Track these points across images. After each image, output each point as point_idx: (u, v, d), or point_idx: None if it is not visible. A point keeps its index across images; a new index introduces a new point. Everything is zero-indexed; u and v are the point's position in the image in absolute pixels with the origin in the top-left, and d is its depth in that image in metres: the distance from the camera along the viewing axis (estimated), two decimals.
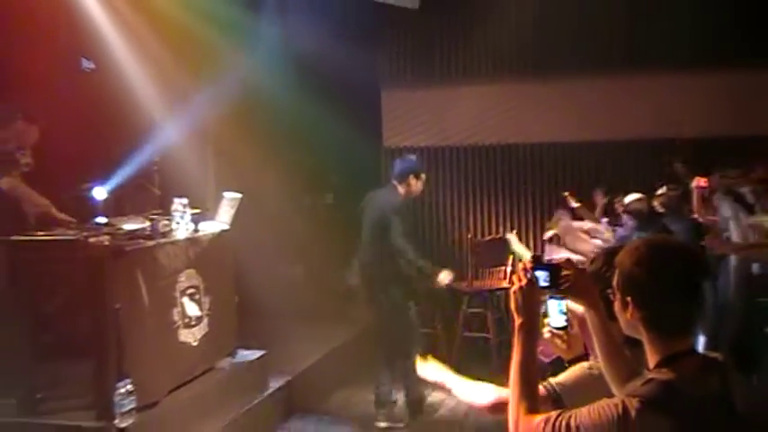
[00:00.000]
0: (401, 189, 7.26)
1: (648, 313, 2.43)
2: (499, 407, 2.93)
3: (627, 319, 2.48)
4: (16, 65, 7.24)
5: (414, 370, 7.07)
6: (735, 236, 7.11)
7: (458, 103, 10.09)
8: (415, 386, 7.34)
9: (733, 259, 6.77)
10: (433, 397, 7.66)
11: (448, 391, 3.38)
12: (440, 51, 10.29)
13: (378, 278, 7.23)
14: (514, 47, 9.87)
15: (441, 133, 10.17)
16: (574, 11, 9.52)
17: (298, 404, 7.56)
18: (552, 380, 2.94)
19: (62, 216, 6.64)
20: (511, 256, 8.13)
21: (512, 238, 7.48)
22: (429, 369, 3.51)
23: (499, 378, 3.04)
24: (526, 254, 5.18)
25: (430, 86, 10.24)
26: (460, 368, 3.45)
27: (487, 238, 9.48)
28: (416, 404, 7.46)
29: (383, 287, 7.22)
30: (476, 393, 3.18)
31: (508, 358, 2.66)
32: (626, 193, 7.68)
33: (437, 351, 7.98)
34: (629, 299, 2.45)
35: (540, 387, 2.73)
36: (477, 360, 8.41)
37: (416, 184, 7.26)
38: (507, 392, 2.65)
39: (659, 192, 7.80)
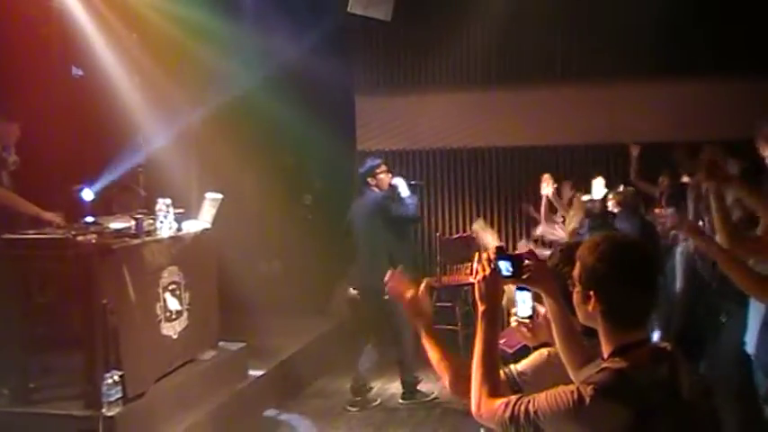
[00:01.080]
0: (374, 188, 7.62)
1: (608, 306, 2.46)
2: (461, 389, 2.77)
3: (587, 311, 2.51)
4: (9, 71, 7.21)
5: (408, 354, 7.17)
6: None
7: (427, 109, 10.11)
8: (411, 369, 7.47)
9: (680, 250, 6.81)
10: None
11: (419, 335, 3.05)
12: (411, 60, 10.30)
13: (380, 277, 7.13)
14: (481, 56, 9.91)
15: (411, 138, 10.18)
16: (537, 23, 9.55)
17: (276, 393, 7.55)
18: (513, 366, 2.95)
19: (49, 216, 6.61)
20: (476, 253, 8.10)
21: (478, 225, 7.69)
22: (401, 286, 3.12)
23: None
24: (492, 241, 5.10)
25: (401, 93, 10.25)
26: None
27: (455, 236, 9.51)
28: (411, 386, 7.54)
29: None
30: (444, 362, 2.93)
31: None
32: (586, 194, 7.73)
33: None
34: (591, 292, 2.47)
35: (501, 372, 2.74)
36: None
37: (380, 179, 7.60)
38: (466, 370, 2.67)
39: (615, 191, 7.85)
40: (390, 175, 7.70)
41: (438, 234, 9.39)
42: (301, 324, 8.88)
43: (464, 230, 9.75)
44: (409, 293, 3.06)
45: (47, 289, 5.85)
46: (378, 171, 7.64)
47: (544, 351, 3.01)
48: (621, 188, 7.94)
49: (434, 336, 3.00)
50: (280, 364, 7.82)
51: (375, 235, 7.47)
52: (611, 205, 7.59)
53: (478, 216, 10.01)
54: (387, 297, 6.94)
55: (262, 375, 7.44)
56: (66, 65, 8.35)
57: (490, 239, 4.85)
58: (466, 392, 2.76)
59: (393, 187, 7.60)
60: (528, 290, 2.80)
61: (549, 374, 2.78)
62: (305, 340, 8.52)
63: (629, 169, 9.02)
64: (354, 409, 7.43)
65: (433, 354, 2.97)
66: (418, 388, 7.54)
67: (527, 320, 2.98)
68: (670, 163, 8.48)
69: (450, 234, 9.54)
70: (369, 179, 7.64)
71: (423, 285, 3.11)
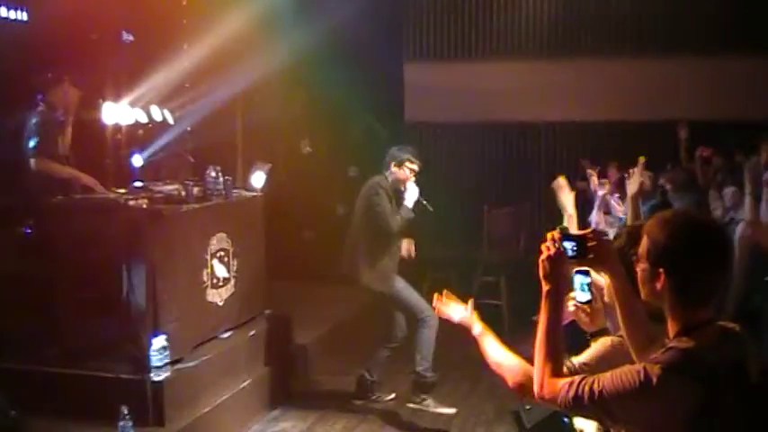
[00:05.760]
0: (389, 176, 6.66)
1: (678, 284, 2.40)
2: (527, 387, 2.71)
3: (653, 289, 2.44)
4: (64, 36, 7.26)
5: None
6: (749, 212, 6.87)
7: (478, 79, 10.00)
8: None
9: (738, 232, 6.70)
10: None
11: (473, 338, 3.13)
12: (462, 27, 10.19)
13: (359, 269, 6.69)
14: (533, 28, 9.79)
15: (460, 109, 10.07)
16: None
17: (321, 362, 7.56)
18: (575, 359, 2.90)
19: (88, 180, 6.62)
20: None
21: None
22: (450, 308, 3.31)
23: (511, 344, 2.99)
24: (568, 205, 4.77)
25: (452, 62, 10.14)
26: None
27: (502, 210, 9.44)
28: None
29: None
30: (505, 364, 2.91)
31: (519, 324, 2.67)
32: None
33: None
34: (660, 270, 2.41)
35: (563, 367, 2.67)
36: (490, 326, 8.44)
37: (399, 172, 6.59)
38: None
39: (667, 169, 7.76)
40: (413, 179, 6.62)
41: (485, 207, 9.31)
42: (346, 293, 8.83)
43: (511, 204, 9.67)
44: (458, 318, 3.26)
45: (96, 252, 5.88)
46: (408, 165, 6.60)
47: (607, 340, 3.00)
48: (671, 166, 7.85)
49: (492, 340, 3.06)
50: (325, 333, 7.83)
51: (358, 222, 6.71)
52: (663, 182, 7.49)
53: (526, 191, 9.93)
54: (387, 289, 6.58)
55: (307, 344, 7.45)
56: (117, 30, 8.37)
57: (567, 199, 4.68)
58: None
59: (404, 190, 6.60)
60: (587, 274, 2.77)
61: (612, 362, 2.73)
62: (350, 309, 8.50)
63: (679, 148, 8.89)
64: (358, 402, 6.91)
65: (492, 357, 2.99)
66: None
67: (585, 305, 2.94)
68: (722, 142, 8.36)
69: (498, 208, 9.45)
70: (393, 164, 6.62)
71: (469, 305, 3.26)
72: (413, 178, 6.65)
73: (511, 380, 2.84)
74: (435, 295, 3.37)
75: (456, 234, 9.34)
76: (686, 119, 9.02)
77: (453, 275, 9.09)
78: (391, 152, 6.70)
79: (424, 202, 6.67)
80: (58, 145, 6.62)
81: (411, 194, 6.61)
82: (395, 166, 6.62)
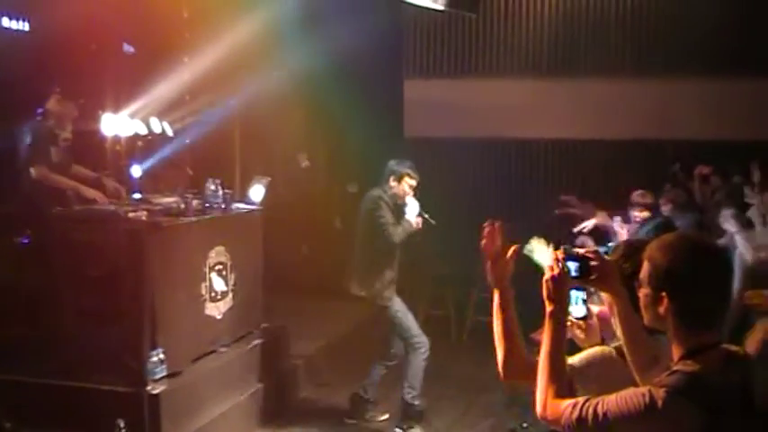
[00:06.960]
0: (387, 190, 6.58)
1: (682, 308, 2.38)
2: (508, 369, 2.81)
3: (656, 313, 2.42)
4: (65, 46, 7.27)
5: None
6: (745, 252, 6.87)
7: (477, 96, 10.01)
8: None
9: (738, 251, 6.69)
10: None
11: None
12: (462, 46, 10.21)
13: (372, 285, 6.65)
14: (532, 46, 9.82)
15: (460, 125, 10.07)
16: (589, 16, 9.46)
17: (317, 377, 7.53)
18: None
19: (91, 193, 6.62)
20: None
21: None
22: (495, 245, 3.01)
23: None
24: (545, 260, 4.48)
25: (452, 78, 10.16)
26: (470, 350, 3.16)
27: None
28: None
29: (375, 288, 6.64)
30: (503, 344, 2.87)
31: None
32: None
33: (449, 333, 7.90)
34: (663, 294, 2.39)
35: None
36: (487, 343, 8.39)
37: (398, 187, 6.54)
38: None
39: (666, 189, 7.76)
40: (412, 193, 6.57)
41: (483, 225, 9.30)
42: (343, 308, 8.81)
43: (508, 221, 9.63)
44: (498, 256, 2.98)
45: (96, 263, 5.87)
46: (407, 179, 6.55)
47: (604, 348, 2.95)
48: (669, 187, 7.85)
49: (507, 308, 2.92)
50: (322, 348, 7.80)
51: (362, 236, 6.67)
52: (663, 202, 7.48)
53: (523, 208, 9.91)
54: (387, 305, 6.54)
55: (303, 358, 7.43)
56: (118, 42, 8.38)
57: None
58: (513, 375, 2.82)
59: (404, 204, 6.55)
60: (582, 289, 2.74)
61: (600, 369, 2.74)
62: (347, 324, 8.48)
63: (675, 168, 8.90)
64: (351, 421, 6.84)
65: (497, 326, 2.92)
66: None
67: (581, 321, 2.93)
68: (721, 162, 8.38)
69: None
70: (392, 178, 6.56)
71: (512, 251, 2.99)
72: (411, 193, 6.60)
73: (500, 358, 2.86)
74: (487, 222, 3.10)
75: (454, 250, 9.31)
76: (685, 139, 9.05)
77: (451, 291, 9.09)
78: (390, 166, 6.64)
79: (426, 216, 6.62)
80: (50, 154, 6.62)
81: (411, 209, 6.55)
82: (393, 180, 6.57)
